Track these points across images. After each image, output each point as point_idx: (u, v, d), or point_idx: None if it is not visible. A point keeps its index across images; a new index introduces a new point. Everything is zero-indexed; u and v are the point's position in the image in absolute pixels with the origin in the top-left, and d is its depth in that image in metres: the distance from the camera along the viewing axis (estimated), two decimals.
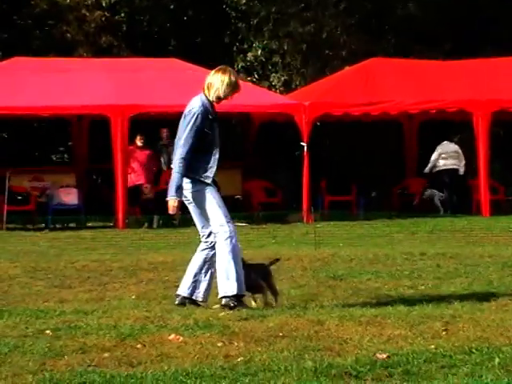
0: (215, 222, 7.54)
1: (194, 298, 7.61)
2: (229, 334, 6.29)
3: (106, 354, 5.73)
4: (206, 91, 7.65)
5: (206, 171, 7.60)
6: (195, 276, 7.63)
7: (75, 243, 14.92)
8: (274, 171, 21.83)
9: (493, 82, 19.64)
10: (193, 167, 7.52)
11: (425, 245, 13.50)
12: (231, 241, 7.49)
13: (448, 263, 10.86)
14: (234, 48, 24.54)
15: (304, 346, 5.94)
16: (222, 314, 7.15)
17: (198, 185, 7.57)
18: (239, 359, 5.59)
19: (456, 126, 22.89)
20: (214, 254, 7.61)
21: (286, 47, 24.03)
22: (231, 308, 7.37)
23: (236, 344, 6.03)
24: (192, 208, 7.66)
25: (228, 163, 21.35)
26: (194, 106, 7.58)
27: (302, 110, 18.69)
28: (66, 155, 25.23)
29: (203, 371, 5.28)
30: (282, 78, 24.03)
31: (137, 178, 18.74)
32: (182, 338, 6.14)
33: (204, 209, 7.57)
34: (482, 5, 24.73)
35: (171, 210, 7.57)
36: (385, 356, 5.58)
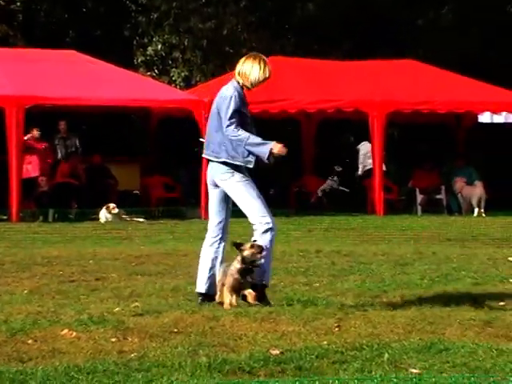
0: (254, 213, 7.39)
1: (211, 293, 7.46)
2: (123, 330, 6.24)
3: None
4: (238, 78, 7.52)
5: (244, 157, 7.38)
6: (210, 271, 7.52)
7: None
8: (173, 167, 21.76)
9: (389, 83, 20.02)
10: (232, 152, 7.35)
11: (320, 242, 13.66)
12: (271, 233, 7.39)
13: (342, 261, 11.01)
14: (134, 42, 24.35)
15: (198, 341, 5.95)
16: (117, 309, 7.09)
17: (237, 171, 7.40)
18: (133, 355, 5.56)
19: (353, 126, 23.28)
20: (224, 246, 7.56)
21: (186, 43, 23.98)
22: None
23: (130, 340, 5.99)
24: (217, 195, 7.53)
25: (127, 158, 21.24)
26: (227, 91, 7.44)
27: (201, 106, 18.66)
28: None
29: (96, 367, 5.23)
30: (182, 74, 23.96)
31: (32, 170, 18.40)
32: (74, 334, 6.07)
33: (242, 196, 7.42)
34: (380, 7, 25.18)
35: (283, 150, 7.35)
36: (278, 352, 5.63)
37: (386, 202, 19.96)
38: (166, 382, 4.96)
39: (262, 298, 7.40)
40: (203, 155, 7.66)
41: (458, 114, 21.36)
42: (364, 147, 21.47)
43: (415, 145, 23.64)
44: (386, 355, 5.55)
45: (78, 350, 5.67)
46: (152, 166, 21.11)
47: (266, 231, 7.40)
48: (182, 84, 23.65)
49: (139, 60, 23.97)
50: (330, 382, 2.91)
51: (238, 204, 7.51)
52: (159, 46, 24.00)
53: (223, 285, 7.34)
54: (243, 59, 7.61)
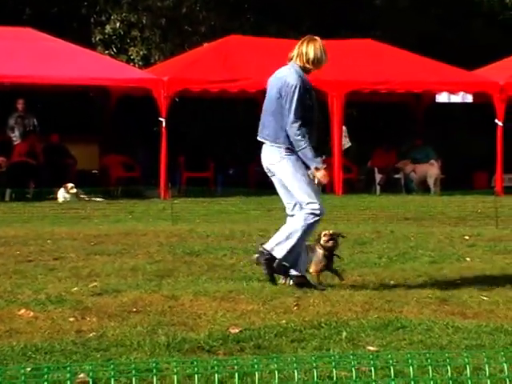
0: (304, 197, 7.31)
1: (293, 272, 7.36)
2: (81, 309, 6.22)
3: None
4: (298, 61, 7.42)
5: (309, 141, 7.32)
6: (286, 239, 7.37)
7: None
8: (132, 146, 21.64)
9: (348, 63, 20.07)
10: (289, 140, 7.29)
11: (280, 222, 13.59)
12: (313, 218, 7.30)
13: None
14: (92, 20, 24.11)
15: (158, 321, 5.95)
16: (75, 288, 7.06)
17: (291, 155, 7.31)
18: (91, 334, 5.54)
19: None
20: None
21: (144, 21, 23.80)
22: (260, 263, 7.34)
23: (89, 319, 5.97)
24: (276, 181, 7.47)
25: (85, 137, 21.08)
26: (291, 77, 7.34)
27: (160, 85, 18.59)
28: None
29: (53, 346, 5.21)
30: (141, 53, 23.79)
31: None
32: (32, 313, 6.04)
33: (292, 182, 7.33)
34: None
35: (324, 179, 7.33)
36: (237, 330, 5.65)
37: (345, 181, 20.05)
38: (124, 361, 4.96)
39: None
40: (259, 138, 7.58)
41: (416, 93, 21.50)
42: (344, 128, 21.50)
43: (374, 124, 23.77)
44: (344, 333, 5.60)
45: (36, 330, 5.65)
46: (111, 146, 20.98)
47: (310, 214, 7.32)
48: (140, 63, 23.48)
49: (97, 38, 23.75)
50: (288, 359, 2.92)
51: (288, 187, 7.42)
52: (117, 25, 23.79)
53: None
54: (301, 42, 7.54)
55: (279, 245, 7.38)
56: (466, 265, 8.96)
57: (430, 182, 20.33)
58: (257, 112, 26.91)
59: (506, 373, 2.79)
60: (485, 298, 6.82)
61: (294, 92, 7.26)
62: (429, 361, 2.89)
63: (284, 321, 5.95)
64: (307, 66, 7.44)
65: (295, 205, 7.48)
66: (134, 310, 6.29)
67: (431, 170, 20.40)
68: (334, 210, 16.13)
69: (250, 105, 23.67)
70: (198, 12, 24.14)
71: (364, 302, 6.62)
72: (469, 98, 20.56)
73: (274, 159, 7.43)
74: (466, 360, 2.90)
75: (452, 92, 20.72)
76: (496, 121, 19.95)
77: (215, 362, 2.79)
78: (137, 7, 23.88)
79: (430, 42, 24.26)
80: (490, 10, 26.87)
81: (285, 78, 7.39)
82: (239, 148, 23.15)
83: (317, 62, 7.45)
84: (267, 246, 7.42)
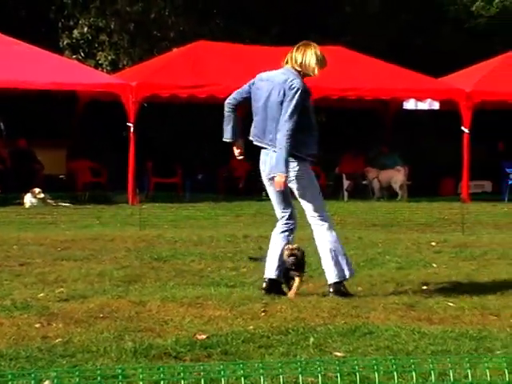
0: (317, 209, 7.33)
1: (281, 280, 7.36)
2: (47, 315, 6.18)
3: None
4: (296, 66, 7.37)
5: (308, 149, 7.31)
6: (280, 259, 7.37)
7: None
8: (100, 151, 21.56)
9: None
10: (296, 144, 7.20)
11: (248, 227, 13.70)
12: (330, 229, 7.35)
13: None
14: (60, 24, 23.98)
15: (124, 327, 5.92)
16: (42, 294, 7.01)
17: (302, 164, 7.28)
18: (57, 340, 5.51)
19: None
20: (293, 234, 7.46)
21: (113, 26, 23.71)
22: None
23: (55, 325, 5.93)
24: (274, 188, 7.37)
25: (52, 142, 20.96)
26: (295, 81, 7.28)
27: (128, 90, 18.54)
28: None
29: (19, 353, 5.17)
30: (109, 57, 23.70)
31: None
32: None
33: (306, 190, 7.32)
34: None
35: (278, 187, 7.21)
36: (204, 337, 5.64)
37: None
38: (90, 368, 4.93)
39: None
40: (257, 143, 7.48)
41: (384, 100, 21.62)
42: None
43: (343, 130, 23.86)
44: (311, 339, 5.61)
45: (1, 336, 5.60)
46: (78, 151, 20.88)
47: (328, 228, 7.35)
48: (108, 68, 23.39)
49: (65, 43, 23.62)
50: (255, 365, 2.93)
51: (298, 195, 7.40)
52: (85, 29, 23.69)
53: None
54: (298, 47, 7.49)
55: (333, 269, 7.32)
56: (433, 271, 9.02)
57: (396, 187, 20.43)
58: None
59: (470, 378, 2.81)
60: (451, 304, 6.86)
61: (295, 94, 7.22)
62: (394, 366, 2.91)
63: (251, 327, 5.95)
64: (301, 70, 7.40)
65: (291, 214, 7.48)
66: (101, 315, 6.25)
67: (396, 176, 20.52)
68: (302, 217, 16.19)
69: (219, 110, 23.69)
70: (166, 17, 24.10)
71: (331, 307, 6.64)
72: (436, 105, 20.70)
73: (292, 165, 7.28)
74: (431, 366, 2.91)
75: (419, 99, 20.86)
76: (462, 128, 20.11)
77: (181, 368, 2.79)
78: (105, 12, 23.79)
79: (398, 48, 24.43)
80: (456, 18, 27.11)
81: (287, 80, 7.31)
82: (208, 153, 23.14)
83: (309, 67, 7.40)
84: (331, 280, 7.30)
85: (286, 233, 7.50)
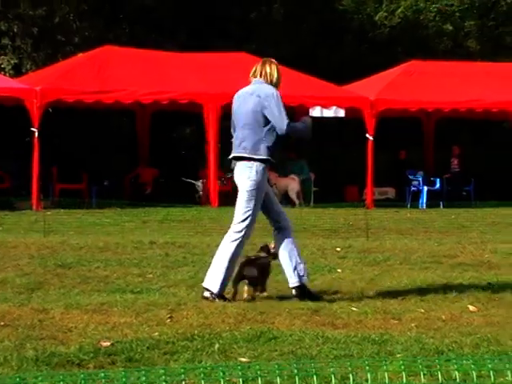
0: (283, 213, 7.62)
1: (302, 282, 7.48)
2: None
3: None
4: (272, 79, 7.64)
5: (271, 155, 7.52)
6: (296, 263, 7.49)
7: None
8: (3, 157, 21.14)
9: (223, 76, 20.18)
10: (271, 151, 7.45)
11: (155, 234, 13.64)
12: (288, 230, 7.60)
13: (177, 252, 11.04)
14: None
15: (26, 335, 5.83)
16: None
17: (262, 167, 7.48)
18: None
19: (188, 117, 23.34)
20: (289, 233, 7.53)
21: (16, 30, 23.30)
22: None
23: None
24: (257, 195, 7.48)
25: None
26: (268, 88, 7.54)
27: (33, 95, 18.26)
28: None
29: None
30: (12, 62, 23.27)
31: None
32: None
33: (244, 202, 7.50)
34: (216, 1, 25.35)
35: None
36: (109, 344, 5.59)
37: (220, 193, 20.12)
38: None
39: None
40: (235, 153, 7.60)
41: (290, 107, 21.80)
42: None
43: None
44: (217, 345, 5.62)
45: None
46: None
47: (286, 230, 7.57)
48: (11, 72, 22.96)
49: None
50: (160, 371, 2.92)
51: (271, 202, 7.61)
52: None
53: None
54: (263, 63, 7.75)
55: (297, 269, 7.51)
56: (337, 276, 9.14)
57: (292, 195, 20.58)
58: (133, 123, 26.72)
59: (369, 381, 2.86)
60: (354, 309, 6.96)
61: (276, 97, 7.49)
62: (296, 371, 2.94)
63: (157, 333, 5.93)
64: (275, 85, 7.68)
65: (276, 222, 7.65)
66: (2, 323, 6.14)
67: (292, 184, 20.67)
68: (209, 222, 16.19)
69: (125, 116, 23.52)
70: (71, 22, 23.81)
71: (237, 313, 6.66)
72: (341, 113, 20.97)
73: (250, 174, 7.47)
74: (333, 370, 2.96)
75: (325, 106, 21.11)
76: (367, 135, 20.44)
77: (82, 376, 2.76)
78: (7, 15, 23.36)
79: (303, 56, 24.68)
80: (360, 27, 27.57)
81: (261, 91, 7.56)
82: (114, 159, 22.95)
83: (279, 83, 7.71)
84: (294, 283, 7.49)
85: (286, 232, 7.62)
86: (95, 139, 23.25)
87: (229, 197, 21.17)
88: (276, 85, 7.67)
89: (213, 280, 7.34)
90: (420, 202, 21.72)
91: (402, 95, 21.06)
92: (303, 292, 7.46)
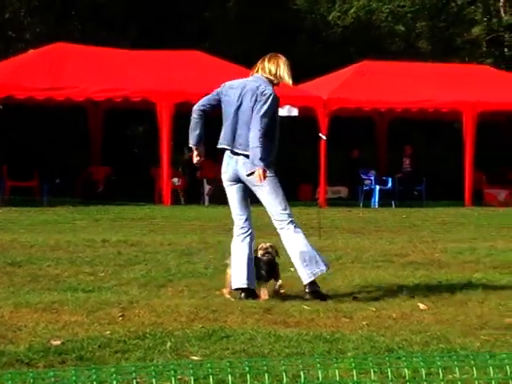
0: (284, 210, 7.51)
1: (252, 287, 7.40)
2: None
3: None
4: (270, 76, 7.58)
5: (270, 155, 7.52)
6: (248, 266, 7.42)
7: None
8: None
9: (177, 74, 20.14)
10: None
11: (107, 232, 13.56)
12: (299, 231, 7.52)
13: (129, 250, 10.99)
14: None
15: None
16: None
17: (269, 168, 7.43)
18: None
19: (141, 115, 23.24)
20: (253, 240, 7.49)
21: None
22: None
23: None
24: (238, 190, 7.55)
25: None
26: (268, 88, 7.49)
27: None
28: None
29: None
30: None
31: None
32: None
33: (274, 193, 7.48)
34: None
35: (259, 180, 7.41)
36: (59, 342, 5.54)
37: (173, 192, 20.08)
38: None
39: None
40: (224, 147, 7.61)
41: None
42: None
43: (204, 136, 23.90)
44: (169, 343, 5.60)
45: None
46: None
47: (294, 231, 7.51)
48: None
49: None
50: (111, 370, 2.91)
51: (262, 198, 7.59)
52: None
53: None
54: (268, 57, 7.78)
55: (306, 269, 7.47)
56: (290, 275, 9.15)
57: None
58: (85, 121, 26.59)
59: (320, 379, 2.88)
60: (306, 307, 6.99)
61: (268, 99, 7.49)
62: (248, 369, 2.94)
63: (108, 332, 5.89)
64: (273, 80, 7.66)
65: (247, 218, 7.70)
66: None
67: None
68: (162, 221, 16.15)
69: (76, 113, 23.34)
70: (22, 18, 23.58)
71: (190, 312, 6.65)
72: (295, 112, 21.04)
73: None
74: (284, 367, 2.97)
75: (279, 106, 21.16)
76: (320, 134, 20.53)
77: (32, 375, 2.74)
78: None
79: (256, 56, 24.69)
80: (313, 27, 27.69)
81: (259, 86, 7.56)
82: (66, 157, 22.77)
83: (283, 78, 7.70)
84: (306, 281, 7.45)
85: (247, 239, 7.64)
86: (47, 137, 23.05)
87: (181, 195, 21.18)
88: (285, 80, 7.68)
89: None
90: (372, 201, 21.89)
91: (355, 95, 21.19)
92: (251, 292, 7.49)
